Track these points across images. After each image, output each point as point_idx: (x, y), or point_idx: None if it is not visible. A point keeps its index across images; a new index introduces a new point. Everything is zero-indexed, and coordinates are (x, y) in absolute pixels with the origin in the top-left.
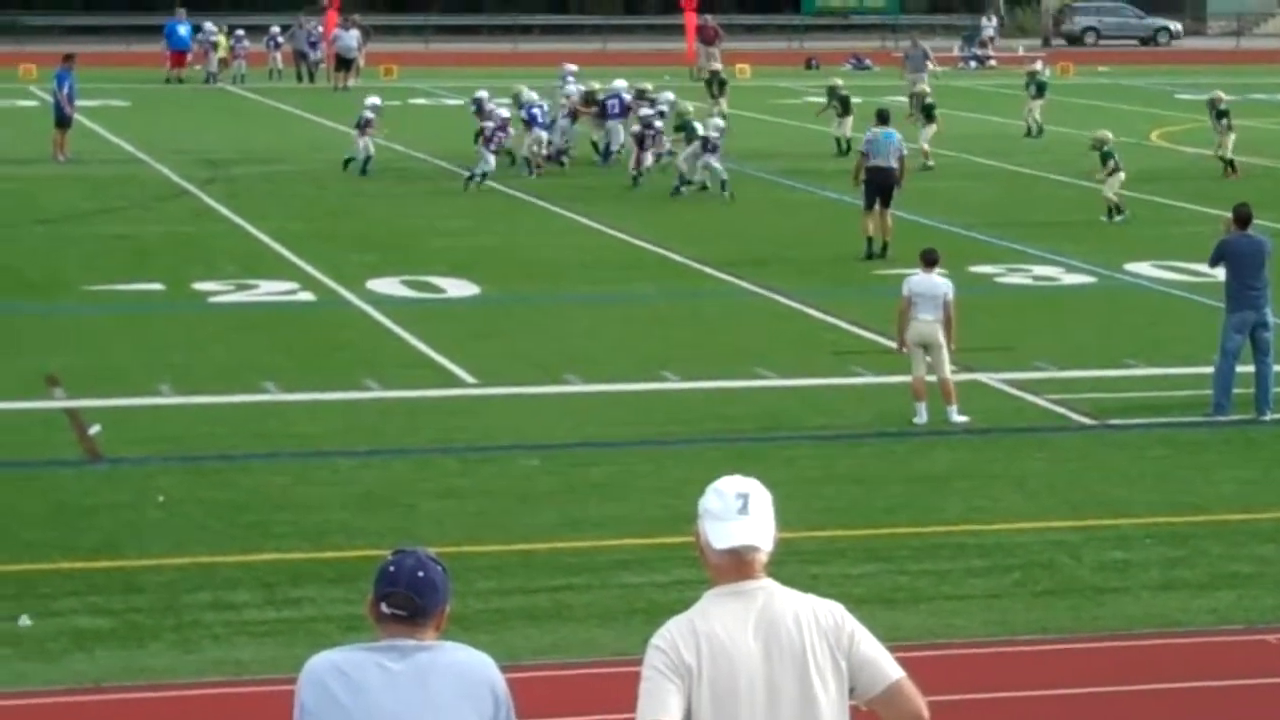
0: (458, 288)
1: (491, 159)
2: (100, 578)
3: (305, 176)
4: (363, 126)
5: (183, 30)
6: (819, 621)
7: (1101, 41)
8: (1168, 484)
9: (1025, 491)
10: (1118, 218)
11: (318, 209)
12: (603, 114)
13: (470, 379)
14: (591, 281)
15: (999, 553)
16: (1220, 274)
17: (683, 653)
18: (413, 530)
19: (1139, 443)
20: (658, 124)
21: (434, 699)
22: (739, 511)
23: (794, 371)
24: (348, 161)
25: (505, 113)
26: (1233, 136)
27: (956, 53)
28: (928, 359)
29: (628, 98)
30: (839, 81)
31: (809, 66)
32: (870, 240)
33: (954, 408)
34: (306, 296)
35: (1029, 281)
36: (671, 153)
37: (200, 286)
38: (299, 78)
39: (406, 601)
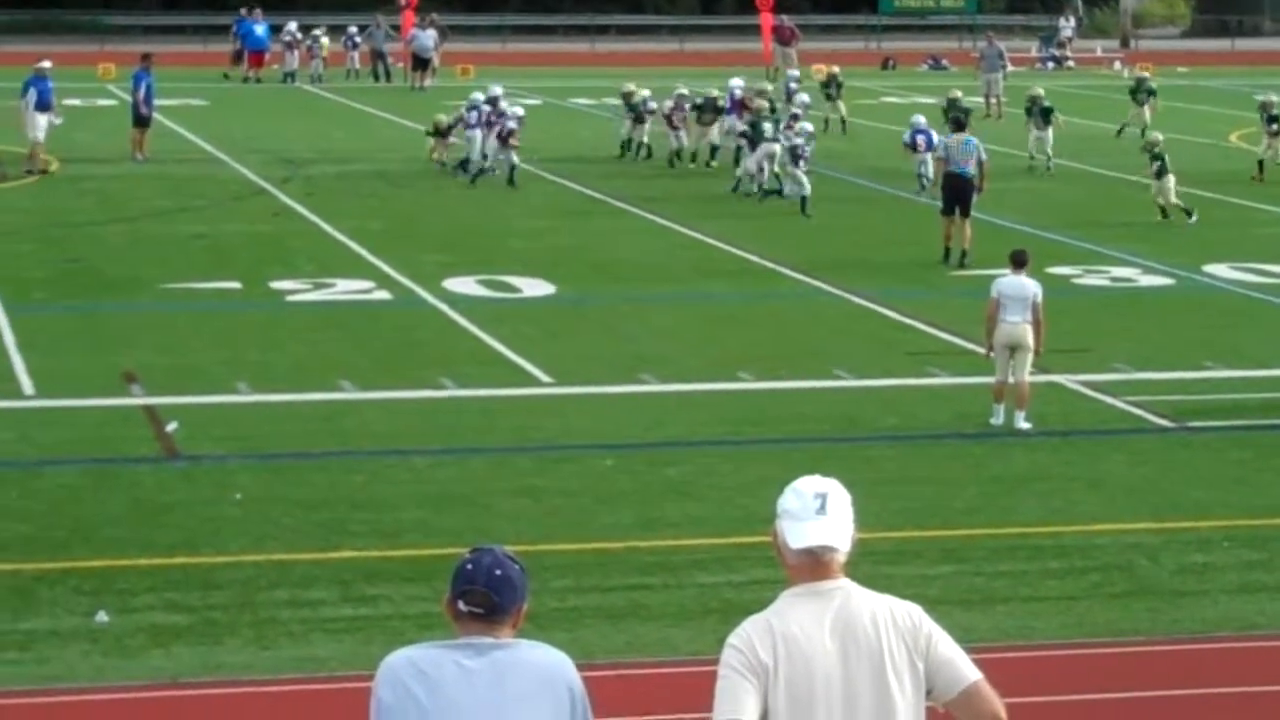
0: (533, 287)
1: (513, 156)
2: (178, 574)
3: (382, 176)
4: (505, 137)
5: (259, 30)
6: (896, 622)
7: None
8: (1246, 486)
9: (1103, 493)
10: (1190, 220)
11: (394, 208)
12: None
13: (546, 378)
14: (667, 281)
15: (1076, 554)
16: None
17: (759, 652)
18: (488, 529)
19: (1217, 445)
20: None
21: (511, 697)
22: (817, 511)
23: (870, 372)
24: (460, 166)
25: (520, 110)
26: None
27: (1034, 53)
28: (1012, 362)
29: (739, 94)
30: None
31: (885, 66)
32: (948, 248)
33: (1023, 413)
34: (383, 295)
35: (1107, 283)
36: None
37: (277, 285)
38: (375, 77)
39: (484, 599)
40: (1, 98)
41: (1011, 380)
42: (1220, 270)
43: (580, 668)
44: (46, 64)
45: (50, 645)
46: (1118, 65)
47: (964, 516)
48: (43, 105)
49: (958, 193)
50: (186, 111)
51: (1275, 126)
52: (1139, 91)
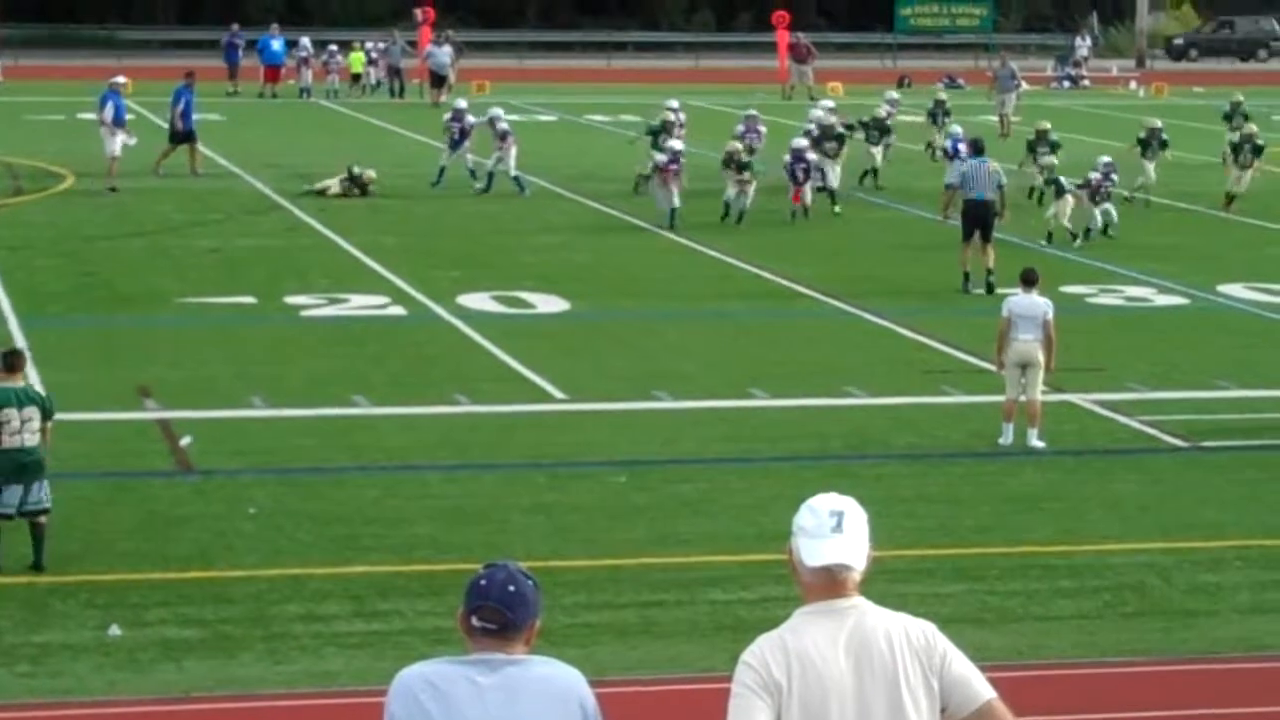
0: (548, 303)
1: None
2: (191, 588)
3: (396, 191)
4: (503, 136)
5: (276, 45)
6: (911, 640)
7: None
8: (1259, 506)
9: (1116, 513)
10: (1075, 243)
11: (408, 224)
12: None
13: (560, 394)
14: (681, 298)
15: (1089, 574)
16: None
17: (773, 670)
18: (501, 544)
19: (1231, 465)
20: (810, 156)
21: (523, 713)
22: (833, 529)
23: (884, 390)
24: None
25: (505, 125)
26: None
27: (1050, 72)
28: (1023, 380)
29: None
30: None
31: (901, 85)
32: (967, 274)
33: (1036, 431)
34: (397, 311)
35: (1121, 302)
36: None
37: (292, 300)
38: (391, 93)
39: (497, 615)
40: (18, 111)
41: (1023, 398)
42: (1235, 290)
43: (593, 684)
44: (121, 79)
45: (63, 658)
46: (1133, 85)
47: (977, 535)
48: (119, 121)
49: (978, 219)
50: (203, 126)
51: (1250, 158)
52: (1149, 145)
